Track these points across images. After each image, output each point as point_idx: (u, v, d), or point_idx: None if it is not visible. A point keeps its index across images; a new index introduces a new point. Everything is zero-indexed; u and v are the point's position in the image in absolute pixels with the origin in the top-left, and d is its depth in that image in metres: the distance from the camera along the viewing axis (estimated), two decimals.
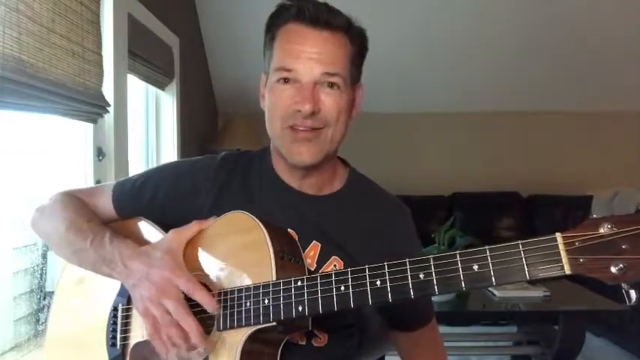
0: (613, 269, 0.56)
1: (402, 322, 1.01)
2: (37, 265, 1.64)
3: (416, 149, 4.40)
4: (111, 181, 1.04)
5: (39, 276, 1.65)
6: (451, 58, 3.85)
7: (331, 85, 0.87)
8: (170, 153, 2.85)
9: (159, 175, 1.01)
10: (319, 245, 0.91)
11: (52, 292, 1.03)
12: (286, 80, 0.86)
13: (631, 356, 2.98)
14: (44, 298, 1.66)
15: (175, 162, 1.09)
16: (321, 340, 0.91)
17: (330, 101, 0.86)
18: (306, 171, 0.93)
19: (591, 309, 2.37)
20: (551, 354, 2.43)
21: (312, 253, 0.91)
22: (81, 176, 1.87)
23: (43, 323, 1.62)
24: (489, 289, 2.44)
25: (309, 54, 0.85)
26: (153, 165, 2.76)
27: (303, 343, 0.90)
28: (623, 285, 0.57)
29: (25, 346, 1.56)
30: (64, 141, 1.84)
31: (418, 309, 1.00)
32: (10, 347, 1.51)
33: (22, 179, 1.63)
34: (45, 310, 1.64)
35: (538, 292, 2.38)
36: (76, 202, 0.99)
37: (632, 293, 0.58)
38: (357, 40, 0.91)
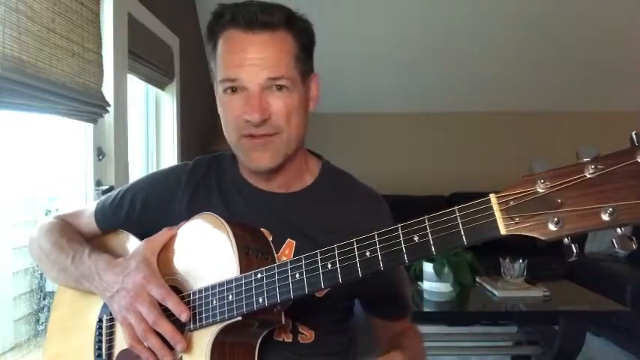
0: (550, 225, 0.55)
1: (379, 310, 1.00)
2: (37, 265, 1.64)
3: (415, 149, 4.40)
4: (93, 203, 1.08)
5: (39, 276, 1.65)
6: (451, 59, 3.85)
7: (279, 87, 0.85)
8: (170, 153, 2.84)
9: (135, 187, 1.03)
10: (294, 243, 0.91)
11: (52, 292, 1.05)
12: (233, 90, 0.86)
13: (631, 356, 2.97)
14: (44, 298, 1.66)
15: (152, 173, 1.11)
16: (307, 336, 0.91)
17: (279, 105, 0.85)
18: (269, 174, 0.93)
19: (591, 309, 2.37)
20: (551, 354, 2.43)
21: (287, 251, 0.91)
22: (81, 176, 1.86)
23: (43, 323, 1.62)
24: (490, 289, 2.45)
25: (251, 60, 0.83)
26: (153, 165, 2.77)
27: (289, 340, 0.90)
28: (565, 240, 0.56)
29: (25, 346, 1.56)
30: (64, 141, 1.84)
31: (390, 301, 1.00)
32: (10, 347, 1.51)
33: (22, 179, 1.63)
34: (45, 310, 1.64)
35: (538, 292, 2.39)
36: (61, 224, 1.02)
37: (574, 248, 0.56)
38: (300, 34, 0.88)
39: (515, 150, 4.31)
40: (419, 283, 2.51)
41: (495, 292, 2.39)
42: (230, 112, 0.87)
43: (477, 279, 2.58)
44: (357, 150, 4.24)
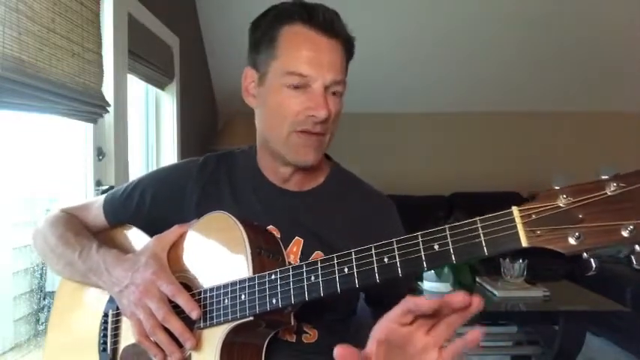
0: (571, 240, 0.56)
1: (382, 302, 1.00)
2: (37, 265, 1.64)
3: (415, 149, 4.40)
4: (102, 196, 1.07)
5: (39, 276, 1.65)
6: (451, 58, 3.85)
7: (335, 91, 0.89)
8: (170, 153, 2.84)
9: (145, 181, 1.02)
10: (302, 241, 0.92)
11: (52, 292, 1.05)
12: (296, 86, 0.87)
13: (631, 356, 2.97)
14: (44, 298, 1.66)
15: (161, 167, 1.11)
16: (310, 336, 0.92)
17: (334, 108, 0.89)
18: (296, 171, 0.95)
19: (591, 309, 2.37)
20: (551, 354, 2.43)
21: (294, 249, 0.92)
22: (81, 176, 1.86)
23: (43, 323, 1.62)
24: (490, 289, 2.45)
25: (322, 62, 0.86)
26: (153, 165, 2.77)
27: (293, 340, 0.91)
28: (584, 255, 0.57)
29: (25, 346, 1.56)
30: (64, 141, 1.84)
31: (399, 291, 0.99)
32: (10, 347, 1.51)
33: (22, 179, 1.63)
34: (45, 310, 1.64)
35: (538, 292, 2.39)
36: (67, 218, 1.01)
37: (592, 262, 0.57)
38: (351, 47, 0.93)
39: (515, 150, 4.31)
40: (419, 283, 2.50)
41: (495, 292, 2.39)
42: (288, 107, 0.88)
43: (477, 279, 2.59)
44: (357, 150, 4.23)
